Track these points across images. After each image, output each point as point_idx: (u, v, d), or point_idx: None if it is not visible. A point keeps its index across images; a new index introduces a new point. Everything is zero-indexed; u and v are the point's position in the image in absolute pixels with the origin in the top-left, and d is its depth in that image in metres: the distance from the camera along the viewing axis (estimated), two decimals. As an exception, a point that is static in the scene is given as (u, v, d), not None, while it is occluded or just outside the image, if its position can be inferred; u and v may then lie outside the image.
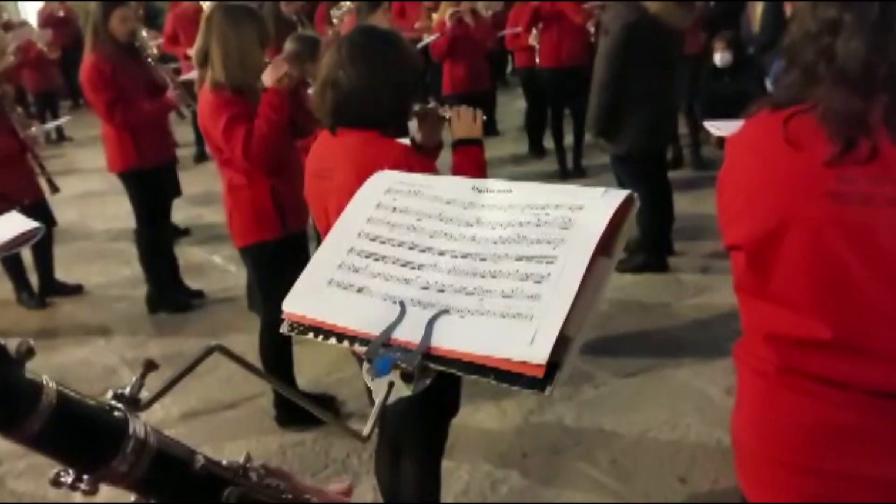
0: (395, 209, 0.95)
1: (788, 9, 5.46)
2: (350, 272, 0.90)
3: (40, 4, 12.62)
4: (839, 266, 1.25)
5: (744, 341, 1.49)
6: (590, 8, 6.49)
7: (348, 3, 9.17)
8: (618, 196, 0.84)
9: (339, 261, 0.92)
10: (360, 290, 0.87)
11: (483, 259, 0.85)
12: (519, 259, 0.84)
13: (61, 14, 11.91)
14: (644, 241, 4.68)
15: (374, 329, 0.82)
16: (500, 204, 0.91)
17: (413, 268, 0.87)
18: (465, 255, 0.86)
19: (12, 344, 0.58)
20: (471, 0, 5.99)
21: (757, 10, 6.04)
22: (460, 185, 0.95)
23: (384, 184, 1.01)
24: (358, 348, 0.81)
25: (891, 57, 1.20)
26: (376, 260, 0.89)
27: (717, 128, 3.72)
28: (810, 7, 1.29)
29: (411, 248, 0.89)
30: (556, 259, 0.82)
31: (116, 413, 0.65)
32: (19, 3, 15.57)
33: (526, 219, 0.88)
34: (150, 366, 0.70)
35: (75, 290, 5.12)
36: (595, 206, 0.85)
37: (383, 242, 0.91)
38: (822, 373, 1.33)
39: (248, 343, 3.78)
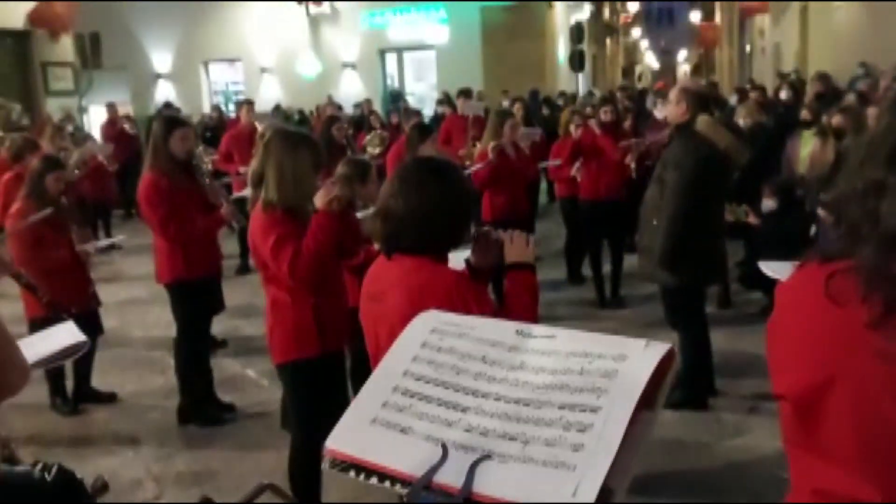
0: (440, 349, 0.97)
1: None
2: (394, 411, 0.91)
3: (103, 115, 13.40)
4: (887, 427, 1.21)
5: (792, 495, 1.44)
6: (626, 145, 6.71)
7: (380, 132, 9.69)
8: (660, 349, 0.86)
9: (384, 399, 0.93)
10: (403, 431, 0.88)
11: (527, 404, 0.86)
12: (562, 407, 0.85)
13: (127, 127, 12.64)
14: (684, 377, 4.59)
15: (416, 470, 0.82)
16: (544, 349, 0.92)
17: (457, 410, 0.88)
18: (509, 399, 0.87)
19: (89, 479, 0.60)
20: (512, 130, 6.19)
21: (800, 151, 6.14)
22: (505, 328, 0.97)
23: (430, 323, 1.03)
24: (399, 490, 0.81)
25: None
26: (420, 400, 0.91)
27: (772, 269, 3.68)
28: (857, 165, 1.31)
29: (455, 390, 0.90)
30: (600, 409, 0.83)
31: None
32: (84, 115, 16.56)
33: (569, 366, 0.89)
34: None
35: (109, 399, 5.15)
36: (638, 358, 0.86)
37: (428, 382, 0.92)
38: (872, 535, 1.27)
39: (276, 462, 3.74)
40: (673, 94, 4.59)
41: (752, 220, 5.82)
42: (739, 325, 5.84)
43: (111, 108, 13.21)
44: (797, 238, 5.18)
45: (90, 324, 4.58)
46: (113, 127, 12.64)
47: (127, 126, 12.80)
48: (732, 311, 6.38)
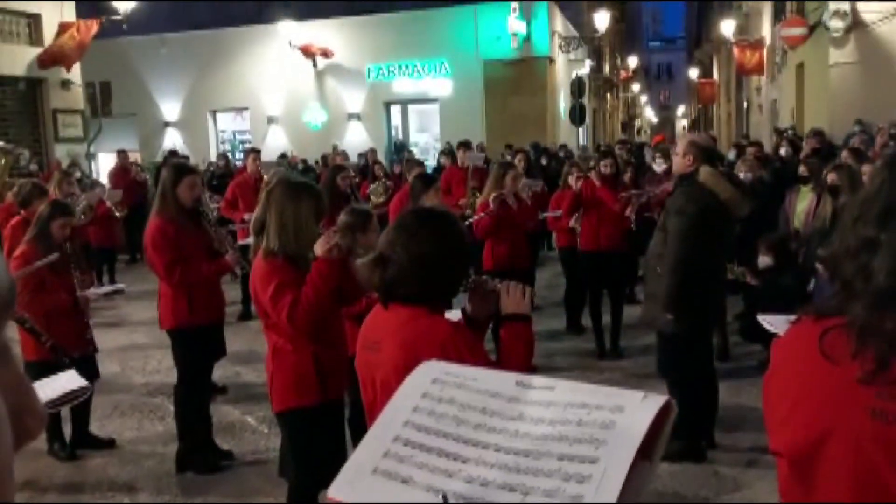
0: (440, 400, 0.99)
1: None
2: (395, 461, 0.92)
3: (111, 162, 13.57)
4: (880, 484, 1.22)
5: None
6: (626, 197, 6.80)
7: (383, 181, 9.88)
8: (657, 402, 0.88)
9: (385, 449, 0.95)
10: (404, 481, 0.89)
11: (526, 455, 0.88)
12: (561, 458, 0.86)
13: (138, 172, 12.78)
14: (682, 427, 4.55)
15: (416, 521, 0.83)
16: (543, 400, 0.94)
17: (457, 460, 0.90)
18: (509, 450, 0.89)
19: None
20: (514, 181, 6.27)
21: (795, 207, 6.22)
22: (505, 380, 0.99)
23: (431, 374, 1.05)
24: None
25: None
26: (421, 450, 0.92)
27: (770, 323, 3.70)
28: (851, 222, 1.34)
29: (456, 441, 0.92)
30: (598, 460, 0.85)
31: None
32: (93, 162, 16.78)
33: (568, 417, 0.91)
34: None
35: (108, 445, 5.11)
36: (635, 409, 0.88)
37: (428, 433, 0.94)
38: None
39: (273, 512, 3.70)
40: (680, 146, 4.69)
41: (750, 280, 5.85)
42: (738, 378, 5.82)
43: (122, 154, 13.35)
44: (794, 293, 5.20)
45: (87, 369, 4.58)
46: (125, 173, 12.75)
47: (138, 172, 12.96)
48: (731, 363, 6.36)
